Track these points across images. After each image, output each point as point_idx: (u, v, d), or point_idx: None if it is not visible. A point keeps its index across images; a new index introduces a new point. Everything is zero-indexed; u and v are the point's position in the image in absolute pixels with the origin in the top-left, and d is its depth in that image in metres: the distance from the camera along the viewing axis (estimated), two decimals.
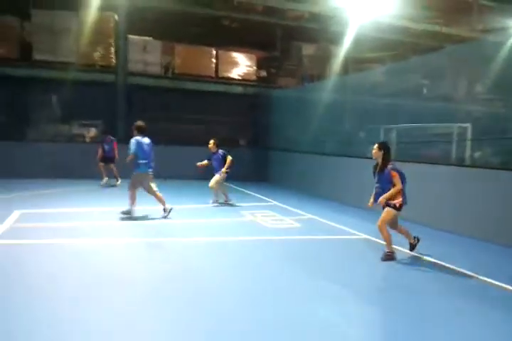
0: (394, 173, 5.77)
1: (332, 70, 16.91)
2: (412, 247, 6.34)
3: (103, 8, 14.26)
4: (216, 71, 16.51)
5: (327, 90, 12.68)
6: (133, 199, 8.11)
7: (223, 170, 9.82)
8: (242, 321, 3.91)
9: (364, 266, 5.82)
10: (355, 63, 18.04)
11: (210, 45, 16.42)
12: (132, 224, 7.77)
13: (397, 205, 5.82)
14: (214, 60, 16.45)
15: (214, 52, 16.41)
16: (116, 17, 14.95)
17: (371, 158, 6.27)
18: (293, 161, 13.78)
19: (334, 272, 5.47)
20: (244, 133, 16.86)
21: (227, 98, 16.23)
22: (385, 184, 5.87)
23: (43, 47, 14.33)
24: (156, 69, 15.87)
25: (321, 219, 8.79)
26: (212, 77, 16.44)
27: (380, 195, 5.88)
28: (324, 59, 17.31)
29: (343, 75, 15.65)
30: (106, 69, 14.94)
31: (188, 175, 13.80)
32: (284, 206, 10.33)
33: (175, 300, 4.34)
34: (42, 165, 13.07)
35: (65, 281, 4.75)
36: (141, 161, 7.95)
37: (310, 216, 9.14)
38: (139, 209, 8.38)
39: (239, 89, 16.64)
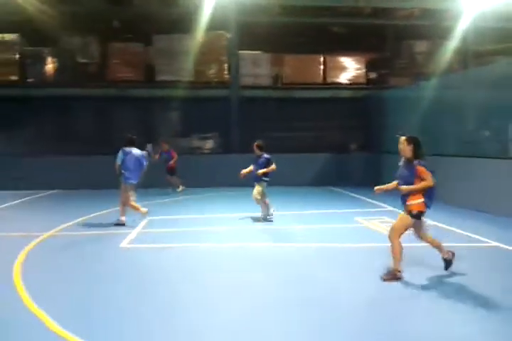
0: (421, 168, 4.91)
1: (448, 66, 15.92)
2: (447, 264, 5.31)
3: (215, 28, 15.16)
4: (324, 77, 16.52)
5: (445, 87, 11.95)
6: (123, 208, 8.53)
7: (259, 172, 8.42)
8: (374, 333, 3.85)
9: (498, 277, 5.27)
10: (475, 57, 16.81)
11: (318, 52, 16.48)
12: (249, 229, 8.07)
13: (415, 212, 4.99)
14: (322, 67, 16.49)
15: (321, 58, 16.46)
16: (227, 35, 15.79)
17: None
18: None
19: (469, 283, 5.05)
20: (355, 138, 16.54)
21: (336, 103, 16.10)
22: (406, 181, 5.02)
23: (164, 69, 15.62)
24: (266, 81, 16.37)
25: (442, 225, 8.24)
26: (320, 84, 16.46)
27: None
28: (438, 55, 16.38)
29: (462, 70, 14.64)
30: (220, 85, 15.83)
31: (302, 182, 13.92)
32: (400, 211, 9.87)
33: (295, 307, 4.42)
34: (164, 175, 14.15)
35: (195, 283, 5.11)
36: (123, 171, 8.30)
37: (429, 221, 8.63)
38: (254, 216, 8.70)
39: (348, 93, 16.43)
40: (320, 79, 16.51)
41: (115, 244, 6.95)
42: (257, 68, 16.22)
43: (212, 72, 15.91)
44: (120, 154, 8.37)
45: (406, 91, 14.95)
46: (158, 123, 16.03)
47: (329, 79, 16.53)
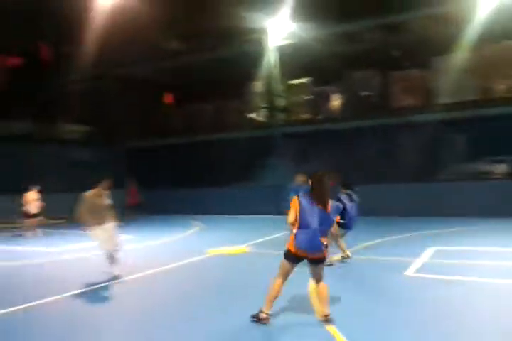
0: None
1: None
2: None
3: (502, 37, 13.84)
4: None
5: None
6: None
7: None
8: None
9: None
10: None
11: None
12: None
13: None
14: None
15: None
16: None
17: None
18: None
19: None
20: None
21: None
22: None
23: (445, 91, 15.05)
24: None
25: None
26: None
27: None
28: None
29: None
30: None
31: None
32: None
33: None
34: (449, 203, 13.40)
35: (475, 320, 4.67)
36: None
37: None
38: None
39: None
40: None
41: (400, 271, 6.96)
42: None
43: (501, 87, 14.42)
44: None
45: None
46: (443, 147, 15.37)
47: None
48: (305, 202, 4.62)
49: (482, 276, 6.46)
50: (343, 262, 7.71)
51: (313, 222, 4.52)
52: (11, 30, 21.93)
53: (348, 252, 7.84)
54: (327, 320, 4.65)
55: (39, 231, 12.81)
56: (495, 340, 4.19)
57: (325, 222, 4.58)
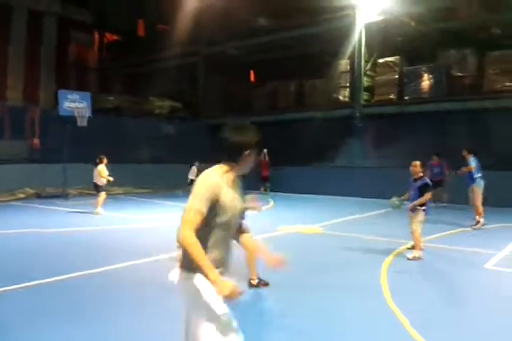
0: None
1: None
2: None
3: None
4: None
5: None
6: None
7: (415, 204, 6.83)
8: None
9: None
10: None
11: None
12: None
13: None
14: None
15: None
16: None
17: None
18: None
19: None
20: None
21: None
22: None
23: None
24: None
25: None
26: None
27: None
28: None
29: None
30: None
31: None
32: None
33: None
34: None
35: None
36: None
37: None
38: None
39: None
40: None
41: (479, 264, 6.68)
42: None
43: None
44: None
45: None
46: None
47: None
48: None
49: None
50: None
51: None
52: (113, 8, 23.22)
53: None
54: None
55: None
56: None
57: None
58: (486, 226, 9.74)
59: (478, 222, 9.73)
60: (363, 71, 17.44)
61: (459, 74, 15.88)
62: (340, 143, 16.97)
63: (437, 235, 8.89)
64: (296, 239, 8.68)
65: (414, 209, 6.90)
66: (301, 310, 4.78)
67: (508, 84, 14.62)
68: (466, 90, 15.56)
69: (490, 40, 15.63)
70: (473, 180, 9.77)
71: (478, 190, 9.75)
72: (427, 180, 7.04)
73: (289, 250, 7.46)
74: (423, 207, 6.88)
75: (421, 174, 7.06)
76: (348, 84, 18.12)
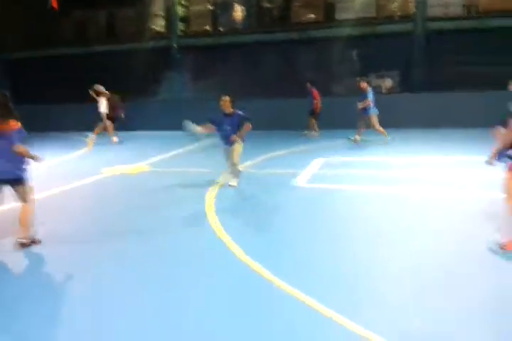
0: None
1: None
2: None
3: None
4: None
5: None
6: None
7: (241, 136, 7.24)
8: None
9: None
10: None
11: None
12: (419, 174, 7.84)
13: None
14: None
15: None
16: None
17: None
18: None
19: None
20: None
21: None
22: None
23: (345, 6, 15.22)
24: (457, 10, 14.65)
25: None
26: None
27: None
28: None
29: None
30: (404, 18, 14.79)
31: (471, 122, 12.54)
32: None
33: None
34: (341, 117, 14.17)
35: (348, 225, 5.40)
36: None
37: None
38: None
39: None
40: None
41: (291, 182, 7.52)
42: None
43: (395, 5, 14.91)
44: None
45: None
46: (337, 63, 15.85)
47: None
48: None
49: (363, 184, 7.24)
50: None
51: None
52: None
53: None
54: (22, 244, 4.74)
55: None
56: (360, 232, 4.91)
57: None
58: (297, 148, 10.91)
59: (355, 140, 11.56)
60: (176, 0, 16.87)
61: (267, 5, 16.51)
62: (160, 76, 16.59)
63: (258, 159, 9.68)
64: (120, 180, 8.41)
65: (234, 141, 7.19)
66: (123, 254, 4.86)
67: (311, 16, 15.79)
68: (275, 22, 16.36)
69: None
70: (368, 110, 11.11)
71: (374, 116, 11.18)
72: (240, 112, 7.25)
73: (111, 192, 7.47)
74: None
75: (231, 109, 7.19)
76: (162, 14, 17.42)
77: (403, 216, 5.57)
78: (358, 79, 13.14)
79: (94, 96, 13.51)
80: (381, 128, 11.43)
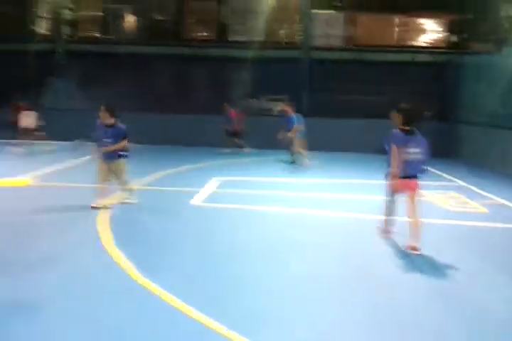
0: None
1: None
2: None
3: None
4: (400, 39, 15.85)
5: None
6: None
7: (114, 149, 6.81)
8: None
9: None
10: None
11: (394, 11, 15.69)
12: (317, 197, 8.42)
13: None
14: (397, 28, 15.80)
15: (397, 19, 15.74)
16: None
17: None
18: (489, 137, 12.53)
19: None
20: (429, 105, 15.84)
21: (411, 67, 15.53)
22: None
23: (238, 29, 15.71)
24: (338, 42, 15.96)
25: None
26: (395, 46, 15.83)
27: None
28: None
29: None
30: (291, 45, 15.74)
31: (368, 149, 13.65)
32: (472, 187, 9.49)
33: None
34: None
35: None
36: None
37: (503, 201, 8.30)
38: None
39: (424, 57, 15.75)
40: (394, 41, 15.87)
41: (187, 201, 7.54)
42: (329, 28, 15.81)
43: (284, 32, 15.81)
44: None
45: (489, 58, 14.08)
46: (230, 83, 16.24)
47: (405, 42, 15.86)
48: None
49: (257, 204, 7.53)
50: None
51: None
52: None
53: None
54: None
55: None
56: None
57: None
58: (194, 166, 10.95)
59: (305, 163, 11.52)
60: (64, 3, 15.96)
61: (160, 18, 16.32)
62: (42, 82, 15.44)
63: (155, 176, 9.51)
64: None
65: (114, 157, 6.82)
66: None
67: (203, 33, 15.98)
68: (168, 35, 16.21)
69: None
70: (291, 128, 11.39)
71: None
72: (122, 126, 6.89)
73: None
74: (125, 154, 6.91)
75: (112, 121, 6.80)
76: (45, 15, 16.29)
77: (292, 233, 5.99)
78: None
79: None
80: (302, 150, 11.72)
